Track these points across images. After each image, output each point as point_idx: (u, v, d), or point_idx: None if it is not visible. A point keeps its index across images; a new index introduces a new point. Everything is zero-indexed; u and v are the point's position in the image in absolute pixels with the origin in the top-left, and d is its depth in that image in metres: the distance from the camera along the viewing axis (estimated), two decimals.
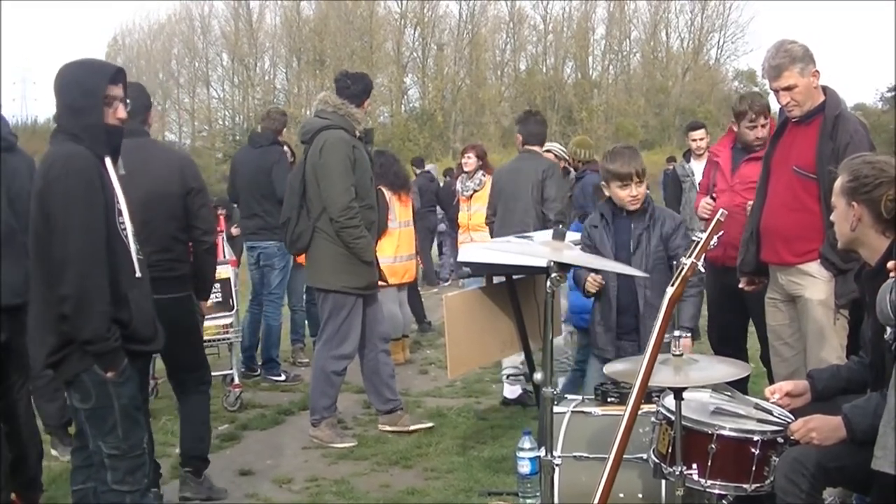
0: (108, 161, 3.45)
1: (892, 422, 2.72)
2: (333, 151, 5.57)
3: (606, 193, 4.57)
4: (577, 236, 4.68)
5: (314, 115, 5.92)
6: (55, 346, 3.33)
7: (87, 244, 3.28)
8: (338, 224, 5.56)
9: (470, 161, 8.98)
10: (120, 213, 3.43)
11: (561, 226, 6.94)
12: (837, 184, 3.31)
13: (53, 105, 3.47)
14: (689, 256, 3.00)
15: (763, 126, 5.25)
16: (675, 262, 4.01)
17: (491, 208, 6.98)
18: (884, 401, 2.88)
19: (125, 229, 3.43)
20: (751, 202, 4.76)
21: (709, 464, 3.12)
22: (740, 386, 4.10)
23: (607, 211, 4.56)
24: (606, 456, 2.90)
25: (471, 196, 8.94)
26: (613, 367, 3.44)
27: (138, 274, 3.43)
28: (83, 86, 3.41)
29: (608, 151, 4.63)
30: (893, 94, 41.93)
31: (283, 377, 7.67)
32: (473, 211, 8.97)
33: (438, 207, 14.43)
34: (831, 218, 3.39)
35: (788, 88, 4.38)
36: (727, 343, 5.32)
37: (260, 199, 7.53)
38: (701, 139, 8.68)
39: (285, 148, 8.10)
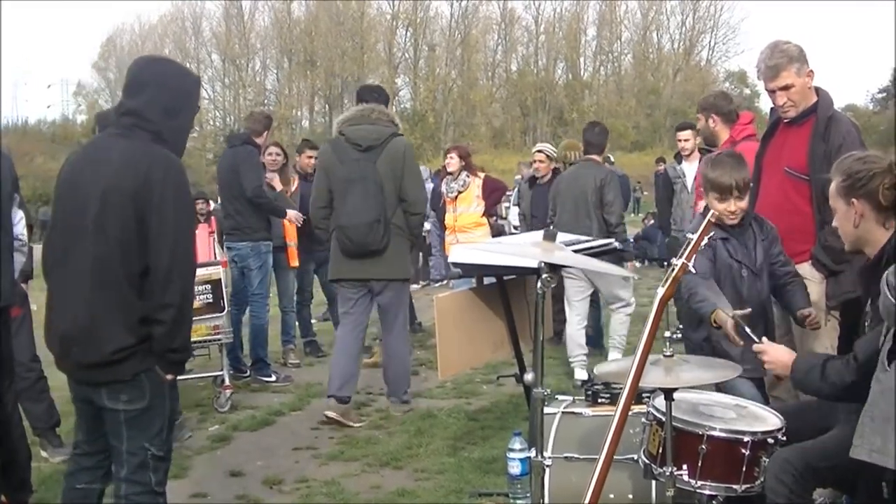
0: None
1: (870, 410, 2.72)
2: (412, 155, 6.38)
3: (704, 202, 4.18)
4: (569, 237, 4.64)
5: (366, 123, 6.19)
6: (129, 344, 3.15)
7: (190, 252, 3.22)
8: (422, 217, 6.47)
9: (452, 162, 8.84)
10: None
11: (620, 228, 7.29)
12: (832, 187, 3.28)
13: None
14: (680, 257, 3.00)
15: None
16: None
17: (552, 210, 7.64)
18: (845, 368, 3.03)
19: None
20: (701, 203, 4.80)
21: (699, 464, 3.12)
22: None
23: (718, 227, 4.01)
24: (597, 457, 2.89)
25: (455, 197, 8.83)
26: (604, 368, 3.43)
27: None
28: (182, 87, 3.32)
29: (710, 157, 4.20)
30: (884, 94, 42.17)
31: (273, 378, 7.65)
32: (459, 212, 8.88)
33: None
34: (833, 223, 3.36)
35: (786, 88, 4.38)
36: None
37: (232, 199, 7.51)
38: (686, 140, 8.57)
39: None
